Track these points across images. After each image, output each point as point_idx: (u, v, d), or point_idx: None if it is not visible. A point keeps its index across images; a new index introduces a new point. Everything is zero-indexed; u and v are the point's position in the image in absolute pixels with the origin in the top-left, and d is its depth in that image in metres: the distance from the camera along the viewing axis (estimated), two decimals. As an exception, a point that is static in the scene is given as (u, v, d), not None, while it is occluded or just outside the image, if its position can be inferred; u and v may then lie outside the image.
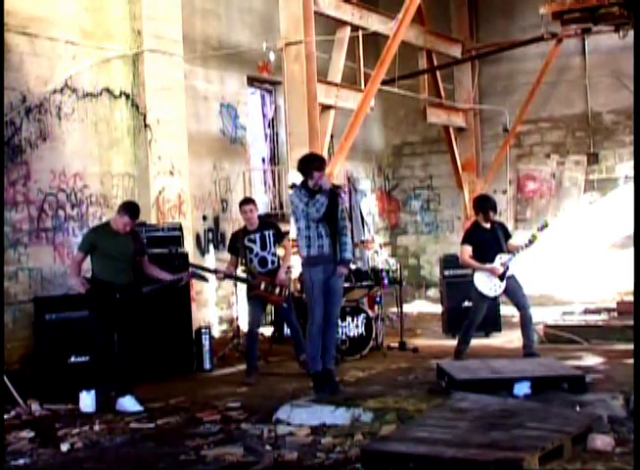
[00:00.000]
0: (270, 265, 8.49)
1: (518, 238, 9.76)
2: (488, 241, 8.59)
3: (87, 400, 7.00)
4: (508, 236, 8.81)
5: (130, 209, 7.32)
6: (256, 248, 8.46)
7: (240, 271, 8.76)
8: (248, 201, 8.74)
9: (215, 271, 8.95)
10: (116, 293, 7.10)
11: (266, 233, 8.50)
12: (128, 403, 7.03)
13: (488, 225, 8.70)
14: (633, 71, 7.86)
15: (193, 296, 9.46)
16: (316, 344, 7.06)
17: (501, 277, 8.48)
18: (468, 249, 8.64)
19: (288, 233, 9.43)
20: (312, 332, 7.06)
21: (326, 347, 7.13)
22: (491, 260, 8.49)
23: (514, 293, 8.57)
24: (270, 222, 8.88)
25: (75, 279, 7.15)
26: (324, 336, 7.10)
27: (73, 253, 7.67)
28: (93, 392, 6.97)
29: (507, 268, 8.48)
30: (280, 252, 8.69)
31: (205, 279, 8.41)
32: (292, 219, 7.13)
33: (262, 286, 8.38)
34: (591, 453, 5.04)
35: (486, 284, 8.54)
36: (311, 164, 7.13)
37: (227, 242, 9.37)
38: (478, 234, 8.69)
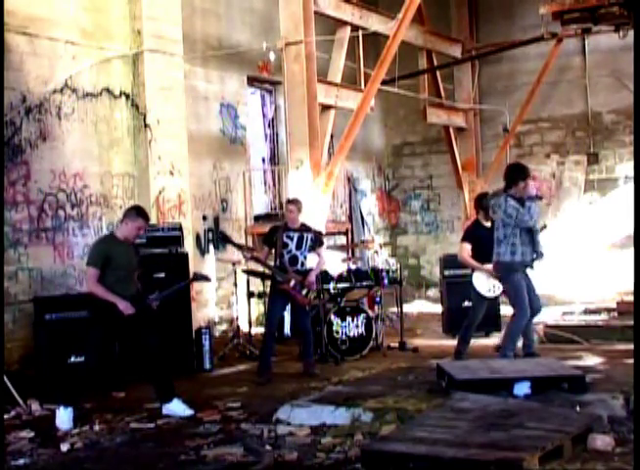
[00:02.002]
0: (299, 266, 8.57)
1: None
2: (489, 239, 8.55)
3: (64, 417, 6.59)
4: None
5: (143, 211, 6.97)
6: (292, 245, 8.53)
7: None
8: (292, 201, 8.82)
9: (245, 248, 9.14)
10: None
11: (305, 235, 8.61)
12: (177, 408, 6.82)
13: (489, 224, 8.68)
14: (633, 71, 7.85)
15: (193, 296, 9.46)
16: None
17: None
18: (467, 247, 8.63)
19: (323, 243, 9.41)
20: (523, 324, 7.87)
21: (530, 331, 8.22)
22: (491, 260, 8.46)
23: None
24: (313, 229, 8.91)
25: (120, 300, 6.63)
26: (528, 324, 8.09)
27: (89, 271, 6.76)
28: (70, 408, 6.62)
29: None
30: (314, 258, 8.80)
31: (207, 279, 8.37)
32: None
33: (292, 283, 8.42)
34: (591, 453, 5.03)
35: (485, 285, 8.53)
36: (519, 173, 7.77)
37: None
38: (478, 232, 8.68)
